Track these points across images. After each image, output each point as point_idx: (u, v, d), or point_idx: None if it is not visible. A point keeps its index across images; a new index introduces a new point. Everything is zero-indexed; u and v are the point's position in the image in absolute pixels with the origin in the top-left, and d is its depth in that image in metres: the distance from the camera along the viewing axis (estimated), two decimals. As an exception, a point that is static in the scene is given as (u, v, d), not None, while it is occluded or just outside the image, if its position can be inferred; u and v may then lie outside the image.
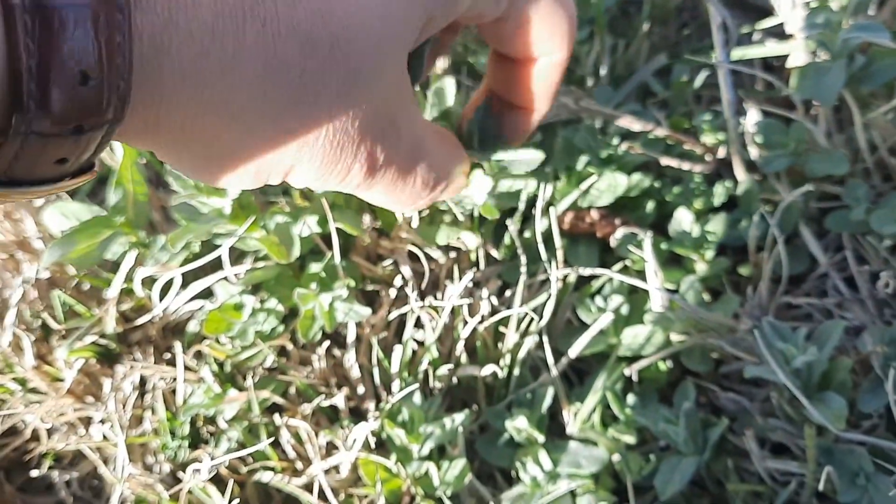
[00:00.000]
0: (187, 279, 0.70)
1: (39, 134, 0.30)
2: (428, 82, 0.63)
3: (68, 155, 0.32)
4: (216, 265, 0.69)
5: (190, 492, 0.64)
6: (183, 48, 0.33)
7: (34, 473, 0.72)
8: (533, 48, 0.48)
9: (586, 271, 0.72)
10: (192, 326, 0.71)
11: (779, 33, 0.92)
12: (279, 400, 0.66)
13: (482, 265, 0.73)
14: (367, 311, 0.66)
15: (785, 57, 0.90)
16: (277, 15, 0.35)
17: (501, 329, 0.70)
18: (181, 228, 0.63)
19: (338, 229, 0.67)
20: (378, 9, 0.37)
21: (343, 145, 0.39)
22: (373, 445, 0.66)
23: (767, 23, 0.90)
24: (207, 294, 0.71)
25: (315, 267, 0.69)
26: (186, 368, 0.67)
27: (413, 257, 0.74)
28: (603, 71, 0.88)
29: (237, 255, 0.73)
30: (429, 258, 0.72)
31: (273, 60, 0.35)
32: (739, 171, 0.77)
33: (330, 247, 0.72)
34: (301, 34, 0.35)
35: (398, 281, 0.72)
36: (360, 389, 0.69)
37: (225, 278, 0.68)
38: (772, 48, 0.85)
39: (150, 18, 0.32)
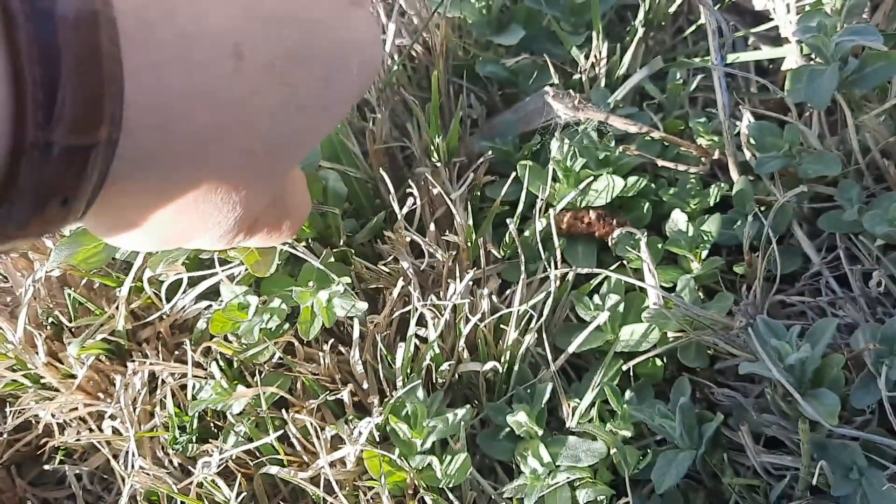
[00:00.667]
0: (194, 279, 0.72)
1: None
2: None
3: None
4: (221, 262, 0.71)
5: (199, 485, 0.66)
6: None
7: (46, 468, 0.73)
8: None
9: (584, 270, 0.74)
10: (201, 324, 0.72)
11: (773, 37, 0.94)
12: (286, 395, 0.68)
13: (482, 264, 0.75)
14: (365, 305, 0.68)
15: (779, 60, 0.92)
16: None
17: (502, 326, 0.72)
18: (156, 255, 0.65)
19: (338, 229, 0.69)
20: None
21: (238, 222, 0.41)
22: (377, 440, 0.68)
23: (762, 27, 0.92)
24: (216, 293, 0.72)
25: (312, 265, 0.70)
26: (195, 365, 0.69)
27: (414, 254, 0.75)
28: (600, 74, 0.89)
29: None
30: (430, 255, 0.74)
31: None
32: (734, 173, 0.79)
33: (324, 245, 0.73)
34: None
35: (400, 280, 0.73)
36: (365, 385, 0.71)
37: (223, 280, 0.69)
38: (766, 52, 0.87)
39: None
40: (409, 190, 0.76)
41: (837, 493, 0.62)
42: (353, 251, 0.74)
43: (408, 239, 0.73)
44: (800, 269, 0.77)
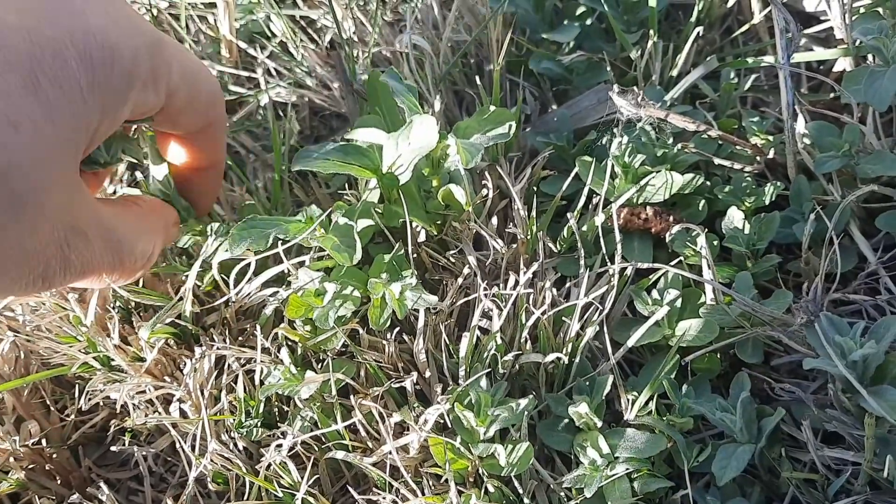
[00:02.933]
0: (259, 266, 0.73)
1: None
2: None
3: None
4: (287, 252, 0.72)
5: (267, 467, 0.67)
6: None
7: (113, 449, 0.75)
8: (198, 122, 0.58)
9: (644, 265, 0.75)
10: (268, 310, 0.73)
11: (823, 39, 0.95)
12: (351, 382, 0.69)
13: (541, 257, 0.76)
14: (435, 298, 0.69)
15: (828, 62, 0.93)
16: None
17: (563, 319, 0.73)
18: (237, 233, 0.67)
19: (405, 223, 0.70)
20: (32, 146, 0.40)
21: (33, 264, 0.44)
22: (441, 427, 0.69)
23: (813, 28, 0.93)
24: (280, 280, 0.73)
25: (384, 257, 0.72)
26: (263, 351, 0.70)
27: (477, 246, 0.76)
28: (654, 72, 0.90)
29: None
30: (493, 248, 0.75)
31: None
32: (792, 171, 0.80)
33: (395, 237, 0.75)
34: None
35: (465, 269, 0.75)
36: (427, 374, 0.72)
37: (302, 263, 0.71)
38: (821, 53, 0.87)
39: None
40: (483, 182, 0.77)
41: (900, 488, 0.63)
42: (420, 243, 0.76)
43: (474, 231, 0.74)
44: (855, 269, 0.78)
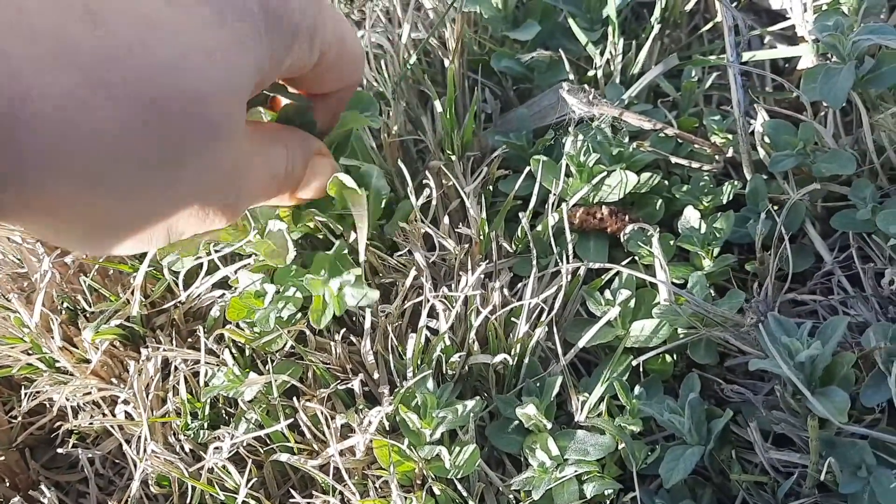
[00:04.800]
0: (210, 267, 0.73)
1: None
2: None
3: None
4: (234, 255, 0.71)
5: (210, 470, 0.66)
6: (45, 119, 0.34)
7: (59, 451, 0.74)
8: (339, 82, 0.57)
9: (596, 265, 0.74)
10: (214, 312, 0.73)
11: (789, 36, 0.94)
12: (297, 384, 0.69)
13: (494, 257, 0.75)
14: (377, 294, 0.68)
15: (794, 59, 0.92)
16: (131, 77, 0.36)
17: (513, 319, 0.72)
18: (168, 245, 0.66)
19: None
20: (227, 74, 0.40)
21: (227, 188, 0.45)
22: (387, 429, 0.69)
23: (778, 26, 0.92)
24: (228, 282, 0.73)
25: (325, 255, 0.71)
26: (208, 352, 0.69)
27: (427, 247, 0.76)
28: (615, 71, 0.90)
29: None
30: (442, 247, 0.74)
31: (133, 124, 0.36)
32: (747, 170, 0.79)
33: (337, 236, 0.74)
34: (153, 95, 0.37)
35: (413, 271, 0.74)
36: (376, 375, 0.71)
37: (243, 267, 0.70)
38: (782, 50, 0.87)
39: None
40: (424, 181, 0.77)
41: (845, 491, 0.62)
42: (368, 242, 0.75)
43: (422, 231, 0.73)
44: (812, 268, 0.77)
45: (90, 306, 0.74)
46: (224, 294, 0.72)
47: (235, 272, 0.71)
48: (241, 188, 0.48)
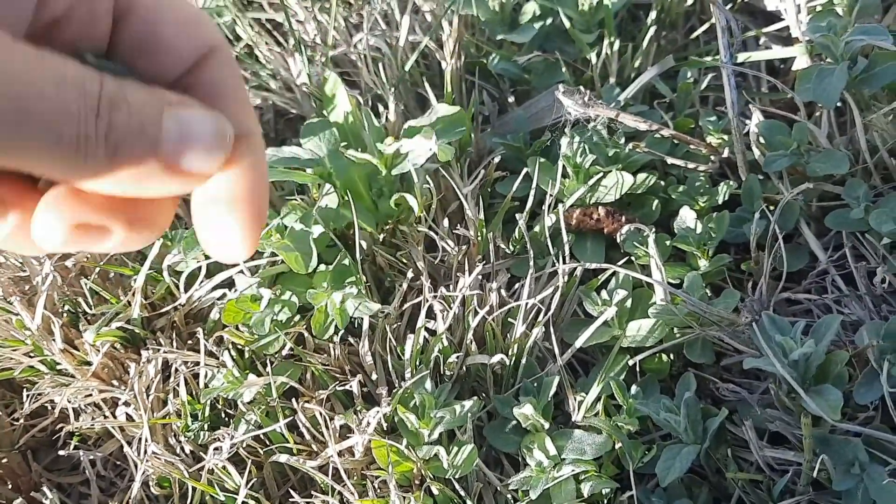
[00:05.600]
0: (211, 269, 0.73)
1: None
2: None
3: None
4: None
5: (210, 471, 0.67)
6: None
7: (61, 453, 0.75)
8: (179, 44, 0.37)
9: (592, 266, 0.75)
10: (214, 314, 0.73)
11: (785, 37, 0.94)
12: (296, 385, 0.69)
13: (492, 258, 0.76)
14: (377, 306, 0.69)
15: (790, 60, 0.92)
16: None
17: (510, 320, 0.73)
18: (191, 238, 0.67)
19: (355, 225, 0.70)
20: None
21: None
22: (385, 430, 0.69)
23: (773, 27, 0.93)
24: (230, 284, 0.74)
25: (328, 268, 0.72)
26: (208, 354, 0.70)
27: (427, 248, 0.76)
28: (611, 72, 0.90)
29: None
30: (442, 249, 0.75)
31: None
32: (742, 171, 0.79)
33: (345, 240, 0.75)
34: None
35: (411, 273, 0.75)
36: (374, 376, 0.72)
37: (241, 271, 0.71)
38: (776, 51, 0.87)
39: None
40: (425, 185, 0.77)
41: (839, 488, 0.62)
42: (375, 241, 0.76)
43: (422, 233, 0.74)
44: (807, 267, 0.78)
45: (91, 309, 0.74)
46: (225, 295, 0.73)
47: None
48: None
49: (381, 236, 0.78)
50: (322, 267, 0.72)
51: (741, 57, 0.84)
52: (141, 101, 0.31)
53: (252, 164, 0.35)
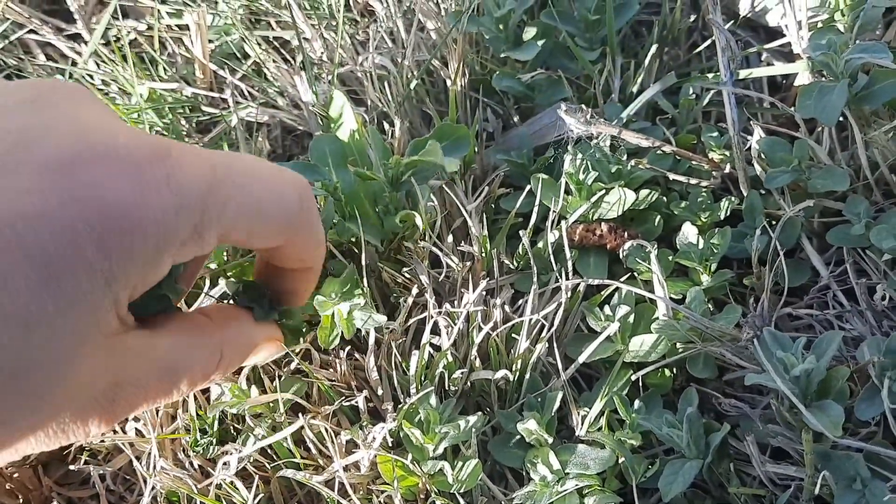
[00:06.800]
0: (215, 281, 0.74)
1: None
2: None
3: None
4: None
5: (219, 486, 0.68)
6: None
7: (71, 468, 0.76)
8: (299, 264, 0.55)
9: (595, 281, 0.75)
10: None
11: (787, 53, 0.95)
12: (302, 402, 0.70)
13: (496, 274, 0.77)
14: (384, 318, 0.70)
15: (793, 76, 0.93)
16: None
17: (514, 336, 0.73)
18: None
19: (359, 239, 0.71)
20: (44, 344, 0.36)
21: (66, 425, 0.41)
22: (391, 445, 0.70)
23: (776, 43, 0.94)
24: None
25: (336, 279, 0.73)
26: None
27: (431, 264, 0.77)
28: (613, 89, 0.91)
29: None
30: (446, 265, 0.76)
31: None
32: (744, 187, 0.80)
33: (345, 255, 0.76)
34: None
35: (416, 289, 0.75)
36: (380, 392, 0.73)
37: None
38: (778, 68, 0.88)
39: None
40: (430, 203, 0.78)
41: (841, 504, 0.63)
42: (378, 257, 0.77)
43: (427, 250, 0.75)
44: (809, 283, 0.78)
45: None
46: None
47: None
48: (115, 407, 0.43)
49: (388, 251, 0.79)
50: (329, 279, 0.73)
51: (743, 73, 0.85)
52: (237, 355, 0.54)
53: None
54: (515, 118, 0.94)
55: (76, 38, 1.12)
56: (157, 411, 0.71)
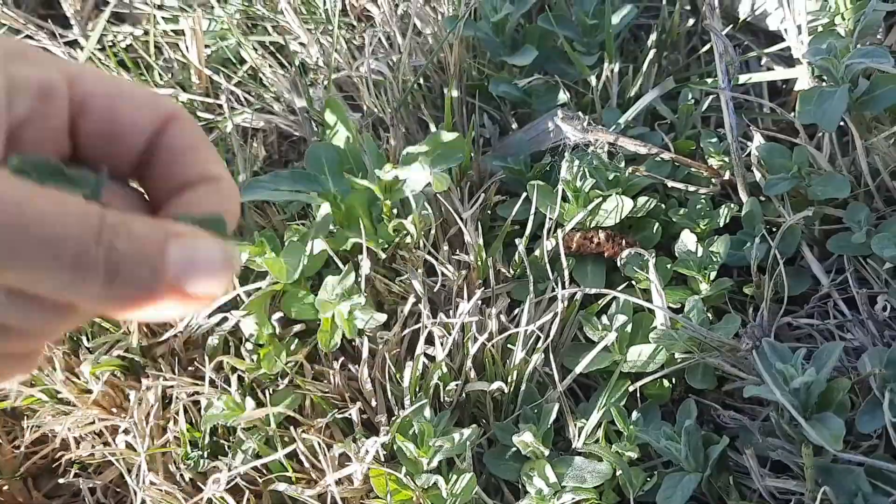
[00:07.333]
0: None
1: None
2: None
3: None
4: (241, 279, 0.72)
5: (209, 501, 0.67)
6: None
7: (61, 481, 0.75)
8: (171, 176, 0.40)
9: (592, 290, 0.74)
10: (212, 341, 0.74)
11: (787, 57, 0.94)
12: (295, 415, 0.69)
13: (492, 283, 0.76)
14: (384, 317, 0.69)
15: (793, 80, 0.92)
16: None
17: (510, 346, 0.72)
18: None
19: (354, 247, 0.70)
20: None
21: None
22: (384, 458, 0.69)
23: (776, 47, 0.92)
24: (230, 308, 0.74)
25: (332, 280, 0.72)
26: (211, 384, 0.70)
27: (427, 273, 0.76)
28: (612, 94, 0.90)
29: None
30: (442, 274, 0.75)
31: None
32: (743, 194, 0.79)
33: (343, 262, 0.75)
34: None
35: (411, 298, 0.74)
36: (374, 403, 0.72)
37: (237, 296, 0.71)
38: (778, 73, 0.87)
39: None
40: (424, 211, 0.77)
41: (842, 519, 0.62)
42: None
43: (422, 259, 0.74)
44: (809, 291, 0.77)
45: (89, 341, 0.74)
46: (226, 318, 0.73)
47: (240, 298, 0.72)
48: None
49: (382, 260, 0.78)
50: (329, 279, 0.72)
51: (742, 78, 0.84)
52: (144, 231, 0.33)
53: (219, 204, 0.38)
54: (513, 124, 0.93)
55: (73, 44, 1.11)
56: (147, 423, 0.70)
